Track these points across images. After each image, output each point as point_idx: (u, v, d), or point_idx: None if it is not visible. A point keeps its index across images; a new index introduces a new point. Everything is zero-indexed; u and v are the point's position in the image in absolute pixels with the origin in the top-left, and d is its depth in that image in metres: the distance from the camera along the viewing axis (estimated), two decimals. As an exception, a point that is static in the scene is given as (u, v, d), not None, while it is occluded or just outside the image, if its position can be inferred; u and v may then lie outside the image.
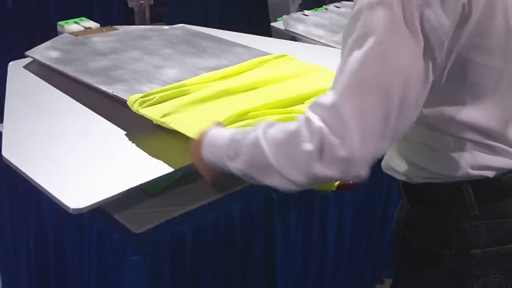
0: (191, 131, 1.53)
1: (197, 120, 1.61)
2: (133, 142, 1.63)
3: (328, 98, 1.06)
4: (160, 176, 1.50)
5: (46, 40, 2.18)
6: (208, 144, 1.25)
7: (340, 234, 1.96)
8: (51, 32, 2.57)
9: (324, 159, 1.04)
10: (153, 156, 1.57)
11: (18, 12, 3.34)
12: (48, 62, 1.98)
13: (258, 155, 1.11)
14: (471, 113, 1.19)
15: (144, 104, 1.66)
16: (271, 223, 1.76)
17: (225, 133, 1.23)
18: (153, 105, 1.67)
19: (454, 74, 1.15)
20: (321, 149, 1.04)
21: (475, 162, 1.23)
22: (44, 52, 2.05)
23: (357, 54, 1.04)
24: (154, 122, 1.62)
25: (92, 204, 1.40)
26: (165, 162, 1.54)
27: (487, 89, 1.18)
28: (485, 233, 1.28)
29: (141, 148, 1.60)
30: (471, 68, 1.15)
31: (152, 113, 1.63)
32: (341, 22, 2.62)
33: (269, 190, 1.72)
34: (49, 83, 1.93)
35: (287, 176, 1.08)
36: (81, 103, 1.81)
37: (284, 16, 2.64)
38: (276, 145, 1.09)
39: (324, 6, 2.81)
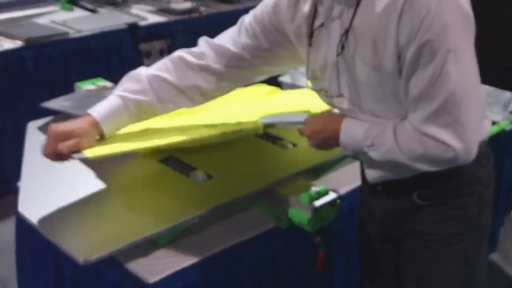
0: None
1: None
2: (142, 195, 1.70)
3: None
4: (170, 227, 1.58)
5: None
6: (344, 131, 1.53)
7: (347, 279, 2.00)
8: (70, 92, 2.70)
9: None
10: (161, 207, 1.65)
11: (38, 73, 3.47)
12: (59, 108, 2.10)
13: (394, 157, 1.45)
14: None
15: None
16: (278, 270, 1.81)
17: (358, 124, 1.51)
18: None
19: None
20: None
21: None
22: (58, 102, 2.20)
23: None
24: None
25: (100, 256, 1.48)
26: (173, 212, 1.62)
27: None
28: (487, 176, 1.59)
29: (149, 201, 1.69)
30: None
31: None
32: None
33: (277, 239, 1.78)
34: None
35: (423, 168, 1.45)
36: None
37: (291, 70, 2.73)
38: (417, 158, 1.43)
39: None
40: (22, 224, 1.97)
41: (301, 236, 1.79)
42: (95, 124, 1.59)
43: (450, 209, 1.56)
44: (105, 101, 1.62)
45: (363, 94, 1.50)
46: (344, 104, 1.54)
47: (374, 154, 1.48)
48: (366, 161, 1.61)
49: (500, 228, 2.89)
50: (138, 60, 3.80)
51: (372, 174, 1.62)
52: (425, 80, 1.37)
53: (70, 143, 1.52)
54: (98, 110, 1.61)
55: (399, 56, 1.38)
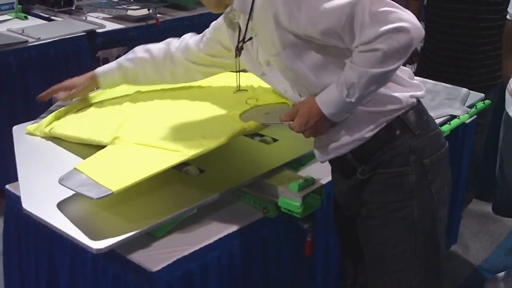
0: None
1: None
2: (138, 189, 1.77)
3: None
4: (171, 217, 1.69)
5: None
6: (324, 105, 1.62)
7: (327, 262, 2.13)
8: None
9: None
10: (160, 200, 1.74)
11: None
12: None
13: (369, 77, 1.54)
14: None
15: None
16: (267, 257, 1.92)
17: (328, 91, 1.62)
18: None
19: None
20: None
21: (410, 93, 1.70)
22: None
23: None
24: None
25: (111, 245, 1.58)
26: (173, 204, 1.71)
27: None
28: (427, 145, 1.70)
29: (147, 194, 1.78)
30: None
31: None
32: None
33: (265, 228, 1.90)
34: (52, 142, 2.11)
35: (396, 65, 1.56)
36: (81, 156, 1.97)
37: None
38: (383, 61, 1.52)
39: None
40: (11, 226, 2.03)
41: (287, 224, 1.91)
42: (93, 77, 2.19)
43: (386, 179, 1.70)
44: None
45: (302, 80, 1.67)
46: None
47: (358, 93, 1.56)
48: (357, 118, 1.68)
49: (460, 220, 3.08)
50: (95, 67, 3.82)
51: (320, 154, 1.77)
52: (328, 19, 1.53)
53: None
54: (100, 68, 2.20)
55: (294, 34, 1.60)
